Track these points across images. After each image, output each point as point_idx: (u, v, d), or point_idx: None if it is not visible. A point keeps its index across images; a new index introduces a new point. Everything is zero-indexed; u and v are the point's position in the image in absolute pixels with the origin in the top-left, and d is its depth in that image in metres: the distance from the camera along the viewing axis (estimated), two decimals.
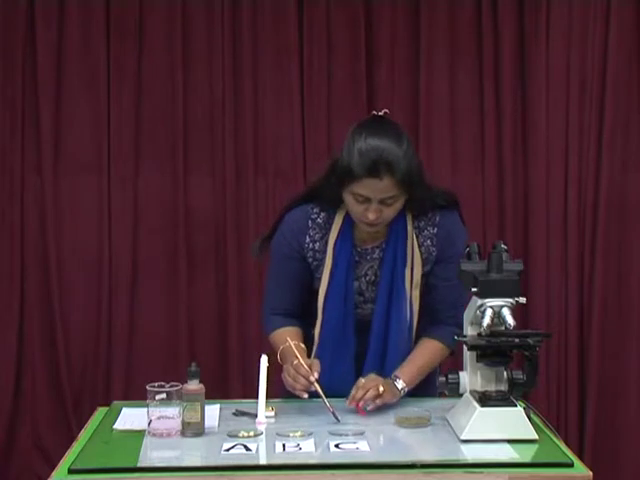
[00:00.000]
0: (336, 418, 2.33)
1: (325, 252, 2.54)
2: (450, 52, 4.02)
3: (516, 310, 2.24)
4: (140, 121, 4.02)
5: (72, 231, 4.03)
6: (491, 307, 2.23)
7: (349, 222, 2.53)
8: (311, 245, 2.56)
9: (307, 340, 2.60)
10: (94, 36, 3.96)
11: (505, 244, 2.31)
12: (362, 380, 2.40)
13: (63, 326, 4.00)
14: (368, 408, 2.36)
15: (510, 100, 4.00)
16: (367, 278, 2.57)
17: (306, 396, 2.37)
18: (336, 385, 2.46)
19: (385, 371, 2.50)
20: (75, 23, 3.96)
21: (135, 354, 4.02)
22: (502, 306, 2.23)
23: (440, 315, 2.57)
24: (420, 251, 2.53)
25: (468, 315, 2.33)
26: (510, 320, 2.21)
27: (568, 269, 4.04)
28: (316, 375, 2.37)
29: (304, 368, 2.38)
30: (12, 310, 4.02)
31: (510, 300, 2.23)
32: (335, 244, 2.53)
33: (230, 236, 4.01)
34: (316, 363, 2.41)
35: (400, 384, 2.43)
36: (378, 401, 2.38)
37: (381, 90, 3.99)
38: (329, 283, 2.54)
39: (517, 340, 2.22)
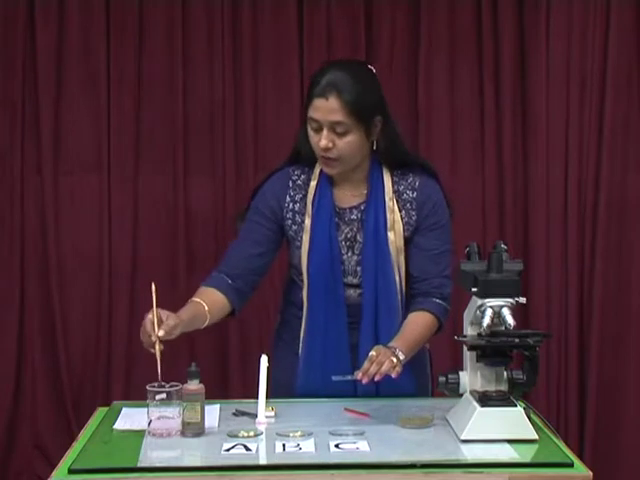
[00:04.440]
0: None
1: (305, 214, 2.52)
2: (450, 52, 4.02)
3: (516, 310, 2.24)
4: (140, 121, 4.02)
5: (72, 231, 4.03)
6: (491, 307, 2.23)
7: (326, 178, 2.51)
8: (291, 205, 2.54)
9: (292, 325, 2.60)
10: (94, 36, 3.97)
11: (505, 244, 2.31)
12: (374, 353, 2.29)
13: (63, 326, 4.01)
14: (375, 378, 2.26)
15: (510, 100, 4.01)
16: (347, 243, 2.53)
17: (152, 351, 2.26)
18: (331, 346, 2.48)
19: (379, 337, 2.46)
20: (75, 23, 3.96)
21: (135, 354, 4.02)
22: (502, 306, 2.23)
23: (425, 286, 2.52)
24: (400, 215, 2.51)
25: (468, 315, 2.33)
26: (510, 320, 2.21)
27: (568, 269, 4.04)
28: (161, 333, 2.24)
29: (150, 324, 2.25)
30: (12, 310, 4.02)
31: (510, 300, 2.23)
32: (313, 200, 2.51)
33: (230, 236, 3.99)
34: (173, 317, 2.28)
35: (401, 356, 2.33)
36: (395, 372, 2.28)
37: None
38: (311, 240, 2.50)
39: (517, 340, 2.22)
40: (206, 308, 2.45)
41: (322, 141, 2.40)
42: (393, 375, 2.27)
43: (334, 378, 2.34)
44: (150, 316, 2.27)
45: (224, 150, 4.01)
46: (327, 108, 2.38)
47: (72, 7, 3.95)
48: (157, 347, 2.25)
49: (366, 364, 2.27)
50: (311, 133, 2.44)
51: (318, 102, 2.39)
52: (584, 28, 3.99)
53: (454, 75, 4.03)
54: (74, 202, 4.03)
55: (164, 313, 2.29)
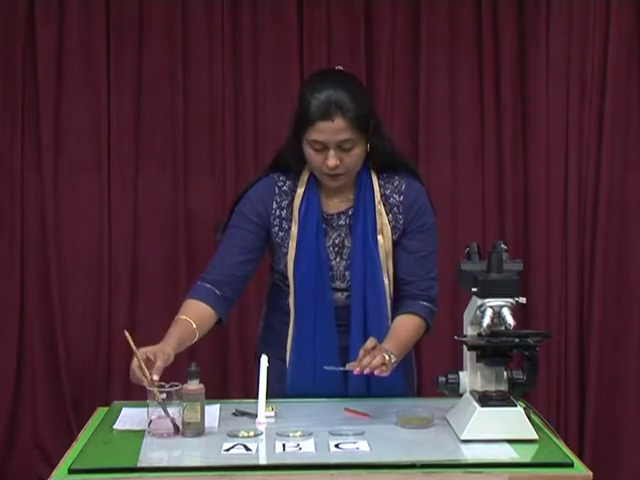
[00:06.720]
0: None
1: (292, 220, 2.51)
2: (450, 52, 4.02)
3: (516, 310, 2.25)
4: (140, 121, 4.02)
5: (72, 231, 4.03)
6: (491, 307, 2.23)
7: (313, 185, 2.51)
8: (278, 212, 2.52)
9: (276, 330, 2.59)
10: (94, 36, 3.96)
11: (505, 244, 2.31)
12: (368, 347, 2.28)
13: (63, 326, 4.00)
14: (376, 372, 2.25)
15: (510, 100, 4.00)
16: (335, 249, 2.53)
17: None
18: (321, 351, 2.47)
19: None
20: (75, 23, 3.96)
21: None
22: (502, 306, 2.23)
23: (412, 289, 2.53)
24: (388, 219, 2.51)
25: (468, 315, 2.33)
26: (510, 320, 2.21)
27: (568, 269, 4.04)
28: (156, 377, 2.21)
29: (138, 370, 2.25)
30: (12, 310, 4.02)
31: (510, 300, 2.23)
32: (300, 207, 2.50)
33: None
34: (160, 357, 2.25)
35: (393, 359, 2.33)
36: (384, 368, 2.27)
37: (381, 90, 3.99)
38: (297, 246, 2.49)
39: (517, 340, 2.22)
40: (194, 326, 2.44)
41: (331, 160, 2.39)
42: (376, 372, 2.24)
43: (326, 368, 2.35)
44: (135, 362, 2.25)
45: (224, 150, 4.01)
46: (333, 129, 2.37)
47: (72, 7, 3.95)
48: (156, 392, 2.22)
49: (360, 354, 2.26)
50: (312, 153, 2.42)
51: (323, 125, 2.37)
52: (584, 28, 3.99)
53: (454, 75, 4.03)
54: (74, 202, 4.03)
55: (150, 352, 2.27)
